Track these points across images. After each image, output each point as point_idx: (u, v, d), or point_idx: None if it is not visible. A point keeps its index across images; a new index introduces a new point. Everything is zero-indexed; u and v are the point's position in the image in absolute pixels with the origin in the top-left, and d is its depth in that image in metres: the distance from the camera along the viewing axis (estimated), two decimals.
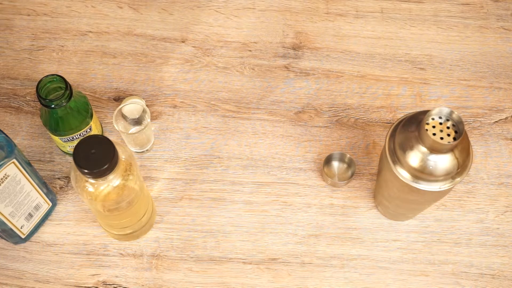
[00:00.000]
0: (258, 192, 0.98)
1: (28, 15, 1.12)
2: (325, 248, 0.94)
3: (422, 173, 0.78)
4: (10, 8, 1.13)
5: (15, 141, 0.98)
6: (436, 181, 0.79)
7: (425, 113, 0.78)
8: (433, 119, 0.77)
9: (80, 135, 0.94)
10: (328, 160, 0.99)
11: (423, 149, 0.77)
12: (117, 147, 0.77)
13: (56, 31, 1.11)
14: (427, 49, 1.10)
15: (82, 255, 0.94)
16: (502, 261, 0.94)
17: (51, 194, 0.94)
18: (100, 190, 0.79)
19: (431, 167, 0.77)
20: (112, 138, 0.82)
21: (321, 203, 0.97)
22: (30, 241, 0.94)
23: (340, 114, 1.04)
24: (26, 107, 1.04)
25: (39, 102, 0.90)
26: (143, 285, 0.92)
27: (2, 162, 0.81)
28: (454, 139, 0.76)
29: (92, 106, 0.95)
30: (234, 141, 1.02)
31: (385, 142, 0.82)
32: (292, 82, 1.06)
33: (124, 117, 0.98)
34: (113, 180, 0.79)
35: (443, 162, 0.77)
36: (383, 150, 0.84)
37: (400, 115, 1.03)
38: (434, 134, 0.76)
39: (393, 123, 0.83)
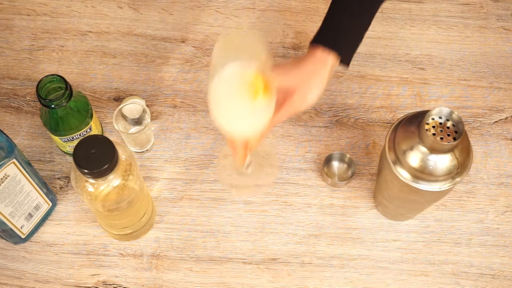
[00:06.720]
0: None
1: (28, 15, 1.12)
2: (325, 248, 0.94)
3: (422, 173, 0.78)
4: (10, 8, 1.13)
5: (15, 141, 0.98)
6: (436, 181, 0.79)
7: (425, 113, 0.78)
8: (433, 119, 0.77)
9: (80, 135, 0.94)
10: (328, 160, 0.99)
11: (423, 149, 0.77)
12: (117, 147, 0.77)
13: (56, 31, 1.11)
14: (427, 49, 1.10)
15: (82, 255, 0.94)
16: (502, 261, 0.94)
17: (51, 194, 0.94)
18: (100, 190, 0.79)
19: (431, 167, 0.77)
20: (112, 138, 0.82)
21: (321, 203, 0.97)
22: (30, 241, 0.94)
23: (340, 114, 1.04)
24: (26, 107, 1.04)
25: (39, 102, 0.90)
26: (143, 285, 0.92)
27: (2, 162, 0.81)
28: (454, 139, 0.76)
29: (92, 106, 0.95)
30: None
31: (385, 142, 0.82)
32: None
33: (124, 117, 0.98)
34: (113, 180, 0.79)
35: (443, 162, 0.77)
36: (383, 150, 0.84)
37: (400, 115, 1.03)
38: (434, 134, 0.76)
39: (393, 123, 0.83)
